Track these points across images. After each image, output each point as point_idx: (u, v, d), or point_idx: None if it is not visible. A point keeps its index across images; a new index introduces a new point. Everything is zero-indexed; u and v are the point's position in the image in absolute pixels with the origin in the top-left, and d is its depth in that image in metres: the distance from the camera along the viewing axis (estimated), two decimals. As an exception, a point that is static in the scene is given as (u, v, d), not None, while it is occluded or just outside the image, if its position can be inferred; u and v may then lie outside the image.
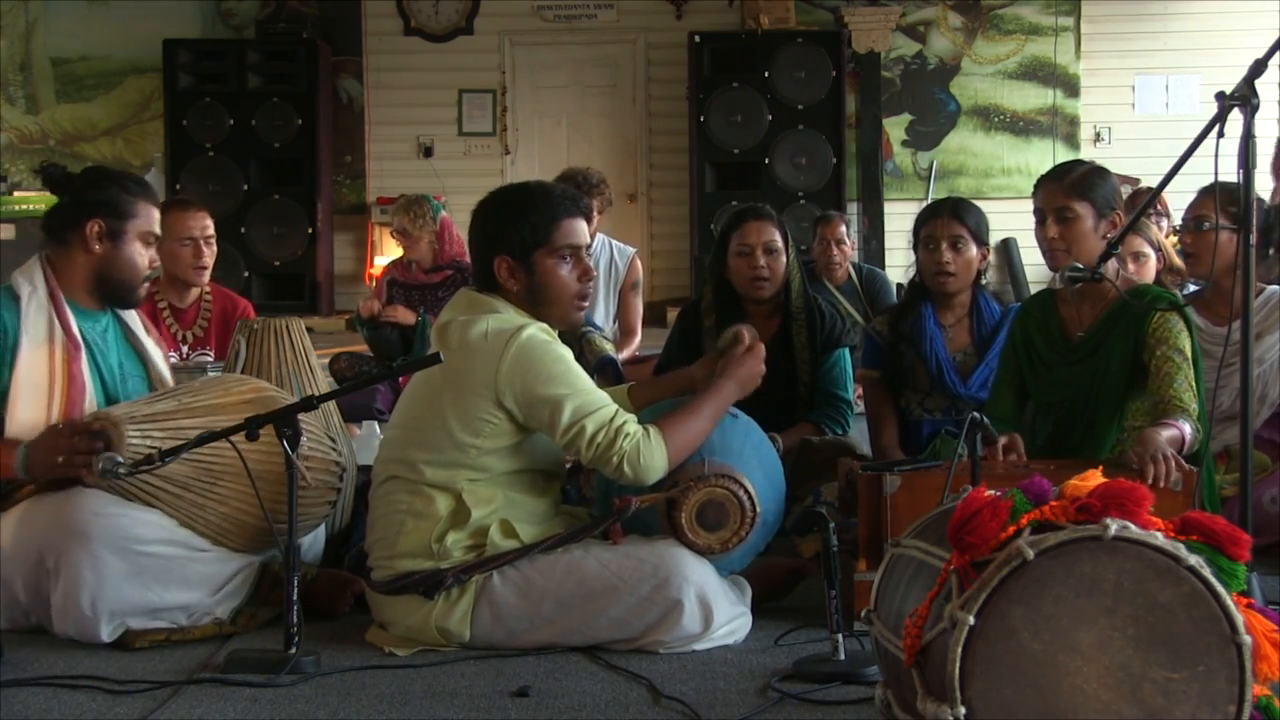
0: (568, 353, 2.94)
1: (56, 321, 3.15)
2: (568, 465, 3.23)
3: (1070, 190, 3.36)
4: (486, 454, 2.89)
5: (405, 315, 5.61)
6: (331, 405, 3.43)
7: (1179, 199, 4.44)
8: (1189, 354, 3.26)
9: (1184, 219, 4.03)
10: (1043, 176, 3.49)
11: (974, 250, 3.89)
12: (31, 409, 3.07)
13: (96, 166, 3.45)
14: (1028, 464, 3.12)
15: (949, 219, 3.87)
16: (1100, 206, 3.35)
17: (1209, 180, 3.01)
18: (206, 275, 4.42)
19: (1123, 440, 3.38)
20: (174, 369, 3.55)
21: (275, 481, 2.93)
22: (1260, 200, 3.97)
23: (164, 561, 2.96)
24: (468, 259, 5.61)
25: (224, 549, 3.06)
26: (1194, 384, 3.22)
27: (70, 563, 2.88)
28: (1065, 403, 3.43)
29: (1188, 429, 3.11)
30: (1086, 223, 3.34)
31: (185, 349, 4.33)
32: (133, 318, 3.39)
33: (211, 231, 4.43)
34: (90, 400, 3.14)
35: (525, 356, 2.85)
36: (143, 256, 3.25)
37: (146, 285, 3.33)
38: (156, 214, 3.31)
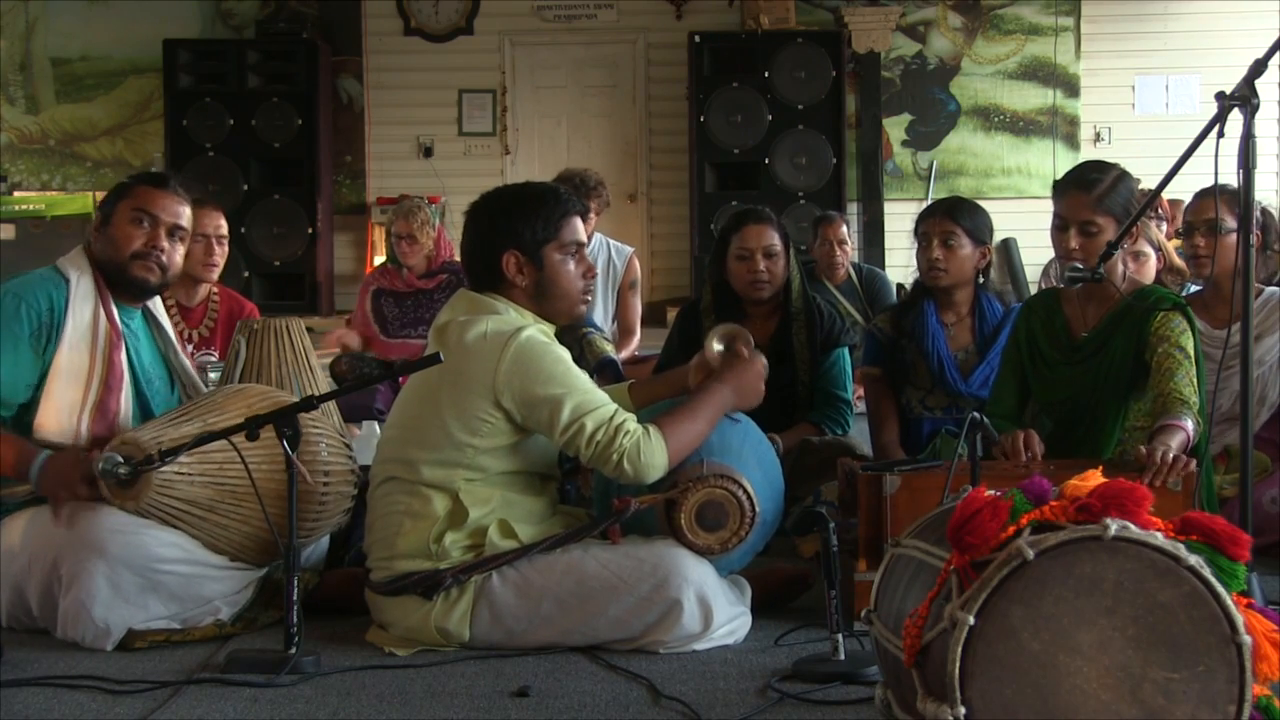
0: (566, 354, 2.94)
1: (101, 309, 3.19)
2: (566, 466, 3.23)
3: (1097, 205, 3.33)
4: (483, 454, 2.89)
5: None
6: (331, 405, 3.43)
7: (1188, 199, 4.40)
8: (1191, 353, 3.26)
9: (1193, 221, 3.95)
10: (1068, 182, 3.44)
11: (968, 248, 3.91)
12: (70, 391, 3.10)
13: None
14: (1028, 464, 3.12)
15: (942, 217, 3.91)
16: (1121, 218, 3.34)
17: (1209, 180, 3.00)
18: (217, 273, 4.42)
19: (1125, 441, 3.38)
20: None
21: (299, 495, 2.91)
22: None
23: (181, 579, 2.98)
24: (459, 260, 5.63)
25: (241, 563, 3.08)
26: (1195, 381, 3.22)
27: (86, 575, 2.88)
28: (1067, 402, 3.43)
29: (1190, 425, 3.11)
30: (1108, 234, 3.32)
31: (190, 348, 4.33)
32: (164, 320, 3.41)
33: (225, 230, 4.44)
34: (125, 390, 3.17)
35: (524, 357, 2.85)
36: (130, 233, 3.20)
37: (149, 271, 3.23)
38: (163, 199, 3.25)
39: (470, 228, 3.05)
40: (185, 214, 3.30)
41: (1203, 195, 3.96)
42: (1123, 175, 3.43)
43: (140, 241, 3.21)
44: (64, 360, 3.10)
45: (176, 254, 3.28)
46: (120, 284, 3.24)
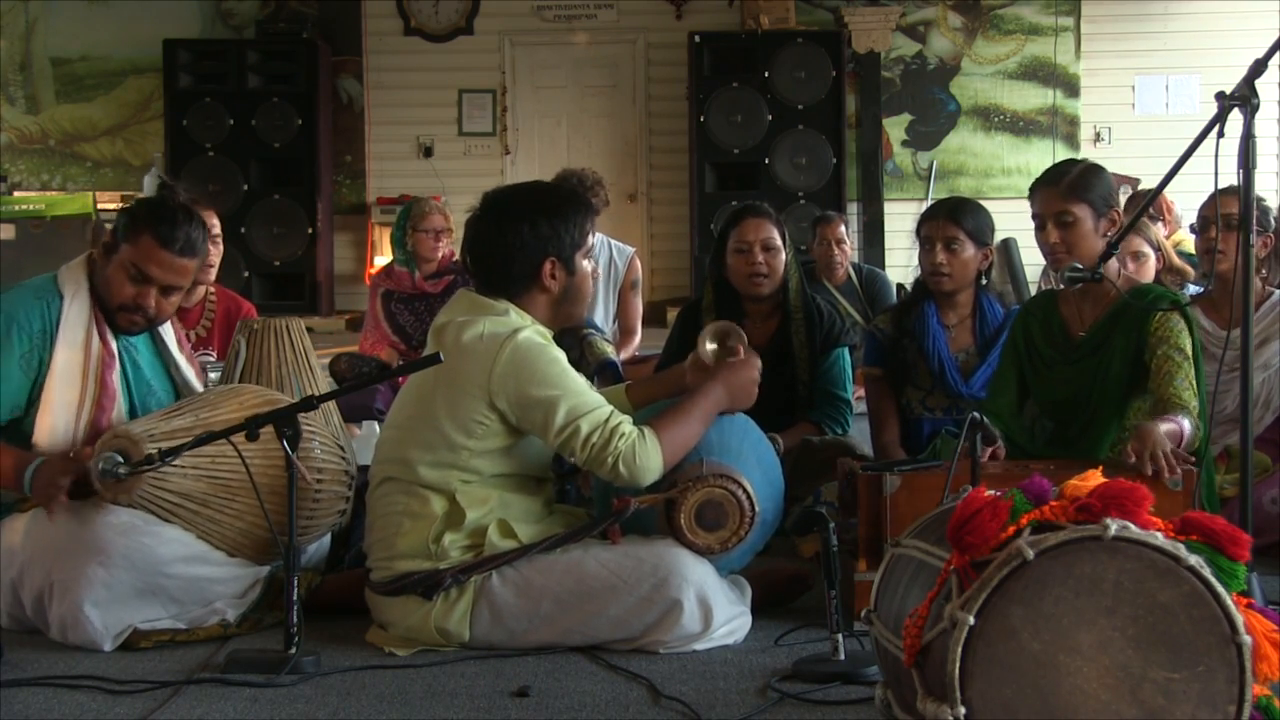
0: (562, 355, 2.94)
1: (94, 329, 3.14)
2: (565, 467, 3.23)
3: (1068, 193, 3.35)
4: (478, 456, 2.89)
5: None
6: (331, 405, 3.43)
7: (1188, 199, 4.37)
8: (1189, 353, 3.26)
9: (1221, 216, 3.82)
10: (1037, 181, 3.46)
11: (971, 251, 3.90)
12: (62, 413, 3.07)
13: (160, 197, 3.25)
14: (1027, 464, 3.12)
15: (945, 220, 3.89)
16: (1098, 205, 3.35)
17: (1209, 180, 3.00)
18: (213, 274, 4.41)
19: (1123, 440, 3.38)
20: None
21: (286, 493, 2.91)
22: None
23: (184, 584, 2.97)
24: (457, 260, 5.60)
25: (240, 559, 3.06)
26: (1194, 383, 3.22)
27: (84, 581, 2.87)
28: (1066, 402, 3.43)
29: (1186, 425, 3.11)
30: (1086, 224, 3.34)
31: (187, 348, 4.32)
32: (168, 331, 3.35)
33: (218, 230, 4.41)
34: (119, 410, 3.14)
35: (519, 359, 2.85)
36: (121, 284, 3.11)
37: (133, 324, 3.16)
38: (164, 260, 3.09)
39: (499, 231, 2.97)
40: (187, 270, 3.16)
41: (1226, 193, 3.90)
42: (1091, 166, 3.45)
43: (129, 296, 3.12)
44: (56, 380, 3.07)
45: (168, 303, 3.18)
46: (108, 318, 3.18)
